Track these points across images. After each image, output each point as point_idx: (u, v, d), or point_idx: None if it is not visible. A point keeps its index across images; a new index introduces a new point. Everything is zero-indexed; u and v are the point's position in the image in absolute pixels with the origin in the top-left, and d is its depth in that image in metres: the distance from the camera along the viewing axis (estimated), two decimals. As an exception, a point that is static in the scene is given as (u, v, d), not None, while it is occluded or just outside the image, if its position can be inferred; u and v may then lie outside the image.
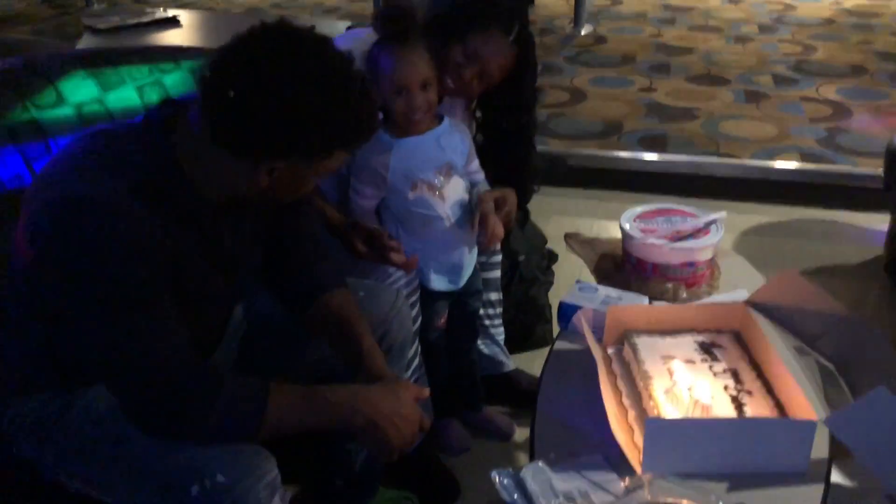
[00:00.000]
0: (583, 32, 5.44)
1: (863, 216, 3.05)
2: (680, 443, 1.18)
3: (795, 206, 3.15)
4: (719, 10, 6.07)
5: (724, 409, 1.28)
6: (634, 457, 1.21)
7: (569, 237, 1.95)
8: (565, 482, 1.17)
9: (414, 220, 1.74)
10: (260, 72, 1.10)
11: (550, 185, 3.18)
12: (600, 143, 3.70)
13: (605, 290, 1.62)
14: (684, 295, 1.67)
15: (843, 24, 5.58)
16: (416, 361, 1.84)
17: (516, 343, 2.26)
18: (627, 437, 1.26)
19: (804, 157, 3.48)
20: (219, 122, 1.14)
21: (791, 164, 3.39)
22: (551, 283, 2.45)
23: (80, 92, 1.87)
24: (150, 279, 1.14)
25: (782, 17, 5.78)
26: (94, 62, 1.93)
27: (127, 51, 2.06)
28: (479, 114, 1.97)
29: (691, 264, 1.68)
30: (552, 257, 2.58)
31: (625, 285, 1.70)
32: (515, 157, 1.94)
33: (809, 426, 1.18)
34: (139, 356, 1.14)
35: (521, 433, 2.03)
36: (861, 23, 5.61)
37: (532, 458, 1.27)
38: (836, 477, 1.58)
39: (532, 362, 2.22)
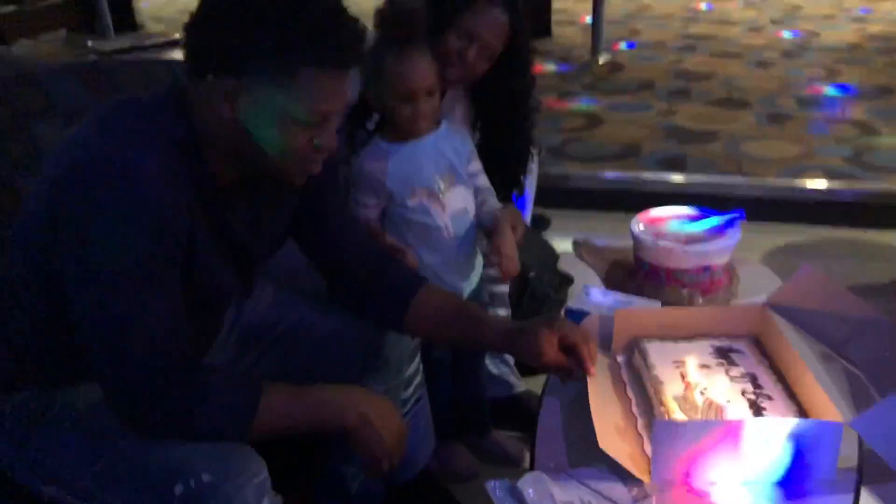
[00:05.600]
0: (601, 61, 5.39)
1: (893, 235, 2.92)
2: (692, 447, 1.08)
3: (823, 225, 3.04)
4: (740, 37, 6.01)
5: (741, 412, 1.18)
6: (640, 468, 1.10)
7: (578, 245, 1.86)
8: (566, 492, 1.07)
9: (413, 228, 1.67)
10: None
11: (566, 208, 3.13)
12: (618, 165, 3.62)
13: (615, 296, 1.52)
14: (700, 302, 1.57)
15: (869, 49, 5.48)
16: (418, 379, 1.74)
17: (527, 364, 2.15)
18: (634, 448, 1.15)
19: (830, 175, 3.36)
20: (186, 45, 1.12)
21: (817, 183, 3.27)
22: (564, 302, 2.34)
23: (71, 101, 1.83)
24: (168, 257, 1.12)
25: (806, 44, 5.70)
26: (88, 73, 1.90)
27: (121, 63, 2.02)
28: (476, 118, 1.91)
29: (707, 269, 1.58)
30: (566, 279, 2.48)
31: (637, 294, 1.59)
32: (517, 138, 1.90)
33: (835, 428, 1.07)
34: (139, 333, 1.09)
35: (531, 458, 1.92)
36: (886, 47, 5.51)
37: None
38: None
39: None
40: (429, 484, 1.79)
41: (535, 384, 2.11)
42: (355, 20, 1.13)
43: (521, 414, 2.03)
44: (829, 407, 1.12)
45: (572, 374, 1.29)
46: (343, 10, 1.12)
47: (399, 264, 1.48)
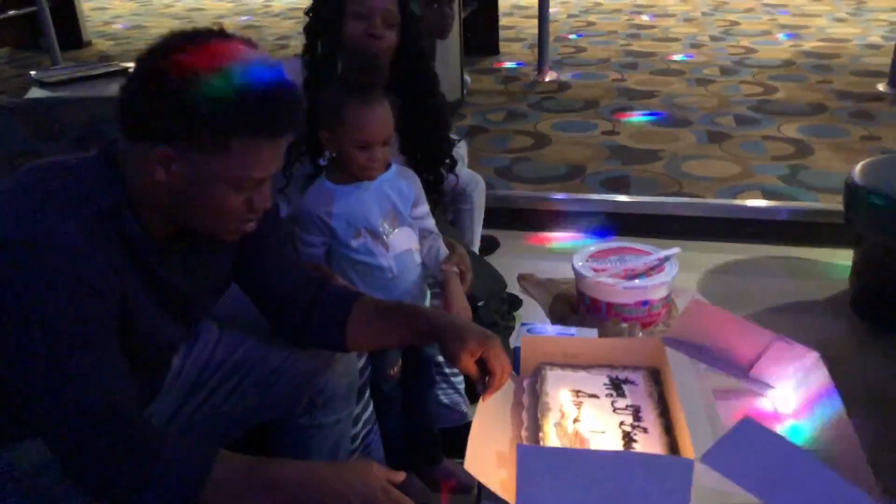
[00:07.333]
0: (546, 79, 5.48)
1: (827, 252, 3.02)
2: (555, 475, 1.10)
3: (760, 243, 3.13)
4: (681, 54, 6.15)
5: (611, 443, 1.20)
6: (511, 493, 1.12)
7: (522, 278, 1.90)
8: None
9: (357, 268, 1.69)
10: (156, 56, 1.09)
11: (512, 230, 3.18)
12: (563, 186, 3.68)
13: (556, 329, 1.56)
14: (640, 334, 1.62)
15: (803, 65, 5.66)
16: (367, 414, 1.76)
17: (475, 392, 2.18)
18: (513, 472, 1.16)
19: (767, 194, 3.47)
20: (120, 107, 1.12)
21: (754, 202, 3.37)
22: (512, 329, 2.38)
23: (11, 143, 1.82)
24: (97, 318, 1.09)
25: (743, 60, 5.86)
26: (28, 113, 1.88)
27: (65, 101, 2.00)
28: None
29: (645, 303, 1.63)
30: (513, 302, 2.52)
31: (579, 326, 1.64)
32: (433, 133, 1.99)
33: (685, 465, 1.08)
34: (80, 401, 1.06)
35: (483, 487, 1.94)
36: (820, 63, 5.69)
37: (477, 511, 1.19)
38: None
39: (494, 411, 2.14)
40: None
41: (485, 412, 2.13)
42: (291, 88, 1.13)
43: (472, 442, 2.06)
44: (687, 442, 1.14)
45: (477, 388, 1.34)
46: (279, 80, 1.11)
47: (331, 286, 1.48)
